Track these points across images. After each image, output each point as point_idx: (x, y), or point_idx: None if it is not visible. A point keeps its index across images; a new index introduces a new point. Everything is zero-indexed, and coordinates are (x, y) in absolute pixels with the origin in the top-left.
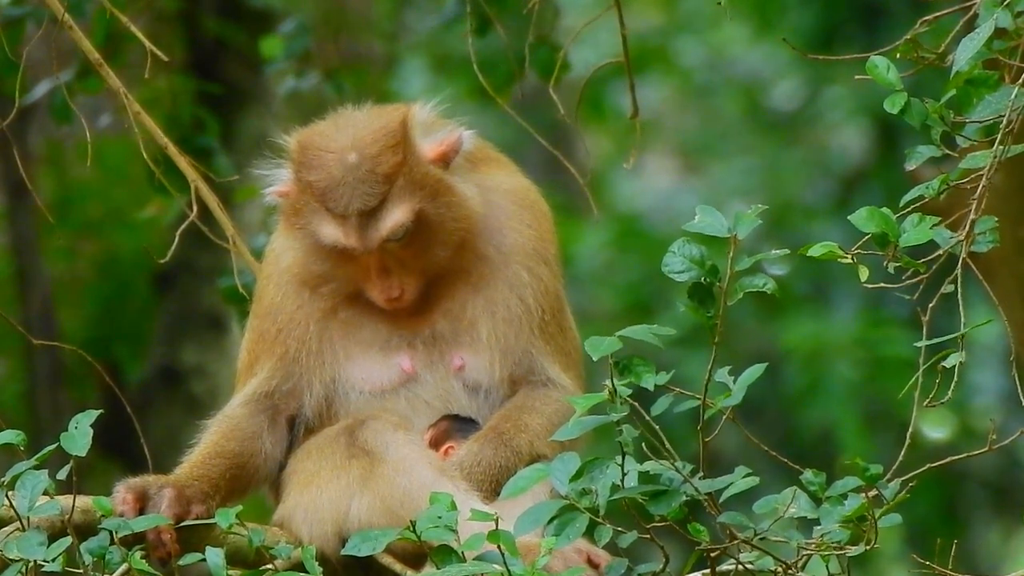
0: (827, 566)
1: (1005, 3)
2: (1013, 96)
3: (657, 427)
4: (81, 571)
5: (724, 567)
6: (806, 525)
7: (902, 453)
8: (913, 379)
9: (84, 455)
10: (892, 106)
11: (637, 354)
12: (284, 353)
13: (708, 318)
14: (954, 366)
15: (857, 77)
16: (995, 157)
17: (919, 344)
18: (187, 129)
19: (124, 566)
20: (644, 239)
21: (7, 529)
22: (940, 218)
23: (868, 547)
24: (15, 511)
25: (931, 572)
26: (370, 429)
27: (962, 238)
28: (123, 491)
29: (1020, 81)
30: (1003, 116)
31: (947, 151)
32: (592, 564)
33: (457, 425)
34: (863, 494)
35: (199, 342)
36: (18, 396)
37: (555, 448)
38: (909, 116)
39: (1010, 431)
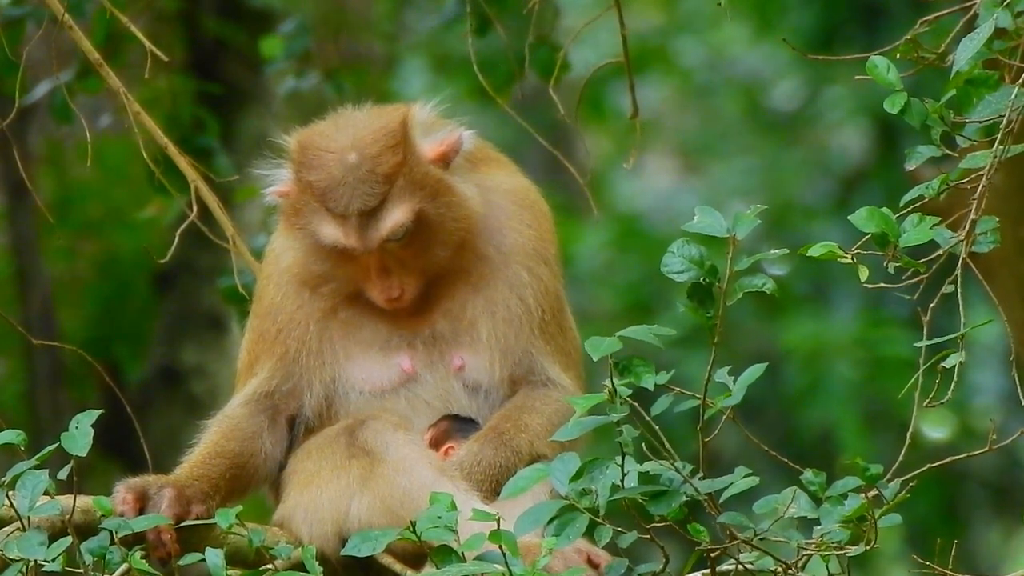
0: (827, 566)
1: (1005, 3)
2: (1013, 96)
3: (657, 427)
4: (81, 571)
5: (724, 567)
6: (806, 525)
7: (902, 453)
8: (913, 379)
9: (84, 455)
10: (892, 106)
11: (637, 354)
12: (284, 353)
13: (708, 318)
14: (954, 366)
15: (857, 77)
16: (995, 157)
17: (919, 344)
18: (187, 129)
19: (124, 566)
20: (644, 239)
21: (7, 529)
22: (940, 218)
23: (868, 547)
24: (15, 511)
25: (931, 572)
26: (370, 429)
27: (962, 238)
28: (123, 491)
29: (1020, 81)
30: (1003, 116)
31: (947, 151)
32: (592, 564)
33: (457, 425)
34: (863, 494)
35: (199, 342)
36: (18, 396)
37: (555, 448)
38: (909, 116)
39: (1010, 431)
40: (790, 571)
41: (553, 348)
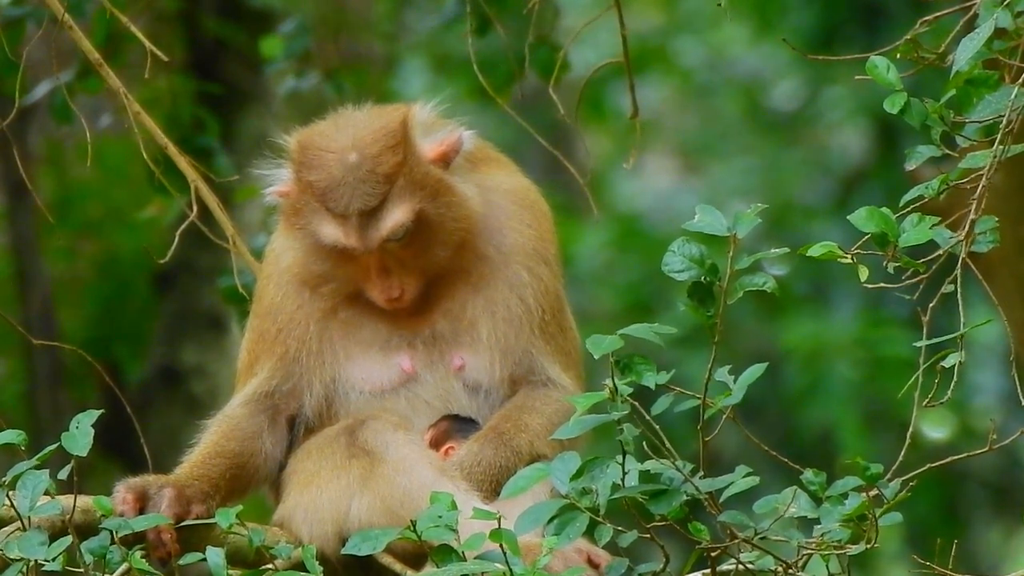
0: (827, 565)
1: (1005, 3)
2: (1013, 96)
3: (657, 426)
4: (81, 571)
5: (724, 567)
6: (806, 524)
7: (902, 453)
8: (913, 379)
9: (85, 455)
10: (892, 106)
11: (638, 353)
12: (284, 353)
13: (708, 317)
14: (954, 366)
15: (857, 77)
16: (995, 157)
17: (919, 344)
18: (187, 129)
19: (124, 566)
20: (644, 239)
21: (8, 529)
22: (940, 218)
23: (868, 547)
24: (16, 511)
25: (931, 572)
26: (370, 429)
27: (962, 238)
28: (123, 491)
29: (1020, 81)
30: (1003, 116)
31: (947, 151)
32: (592, 564)
33: (457, 425)
34: (863, 493)
35: (199, 342)
36: (18, 396)
37: (555, 448)
38: (909, 116)
39: (1010, 431)
40: (790, 570)
41: (553, 348)
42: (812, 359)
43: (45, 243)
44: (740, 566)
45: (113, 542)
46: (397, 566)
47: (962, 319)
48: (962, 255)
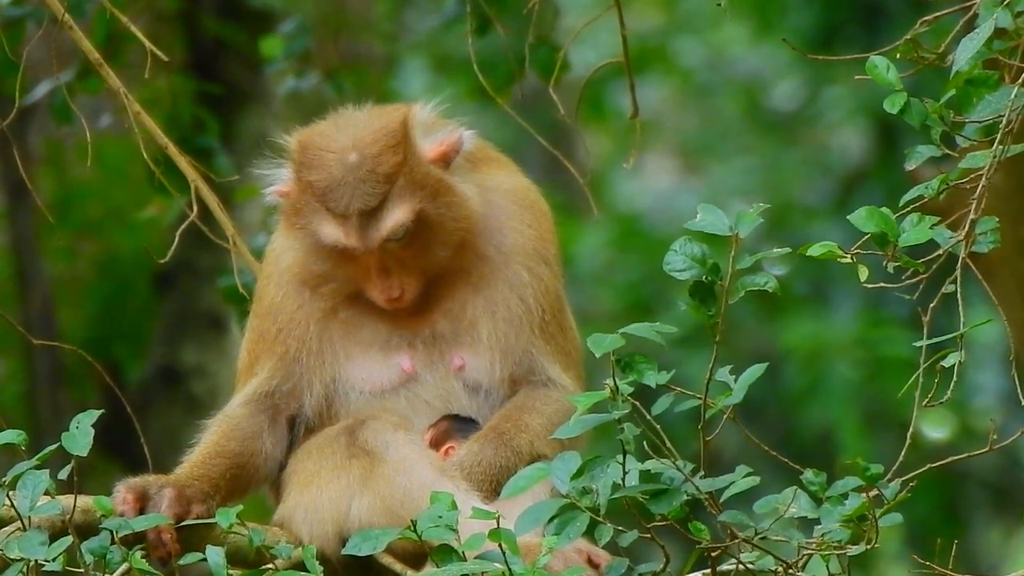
0: (827, 566)
1: (1005, 3)
2: (1013, 96)
3: (658, 426)
4: (82, 571)
5: (725, 566)
6: (807, 525)
7: (902, 453)
8: (913, 379)
9: (85, 455)
10: (892, 106)
11: (639, 352)
12: (284, 353)
13: (709, 317)
14: (954, 366)
15: (857, 77)
16: (995, 157)
17: (919, 344)
18: (187, 129)
19: (124, 566)
20: (644, 239)
21: (8, 529)
22: (940, 218)
23: (868, 547)
24: (16, 511)
25: (931, 572)
26: (370, 429)
27: (962, 238)
28: (123, 491)
29: (1020, 81)
30: (1003, 116)
31: (947, 151)
32: (592, 564)
33: (457, 425)
34: (863, 494)
35: (199, 342)
36: (18, 396)
37: (555, 448)
38: (909, 116)
39: (1010, 431)
40: (791, 570)
41: (553, 348)
42: (812, 359)
43: (45, 243)
44: (740, 566)
45: (113, 542)
46: (397, 566)
47: (962, 319)
48: (962, 255)
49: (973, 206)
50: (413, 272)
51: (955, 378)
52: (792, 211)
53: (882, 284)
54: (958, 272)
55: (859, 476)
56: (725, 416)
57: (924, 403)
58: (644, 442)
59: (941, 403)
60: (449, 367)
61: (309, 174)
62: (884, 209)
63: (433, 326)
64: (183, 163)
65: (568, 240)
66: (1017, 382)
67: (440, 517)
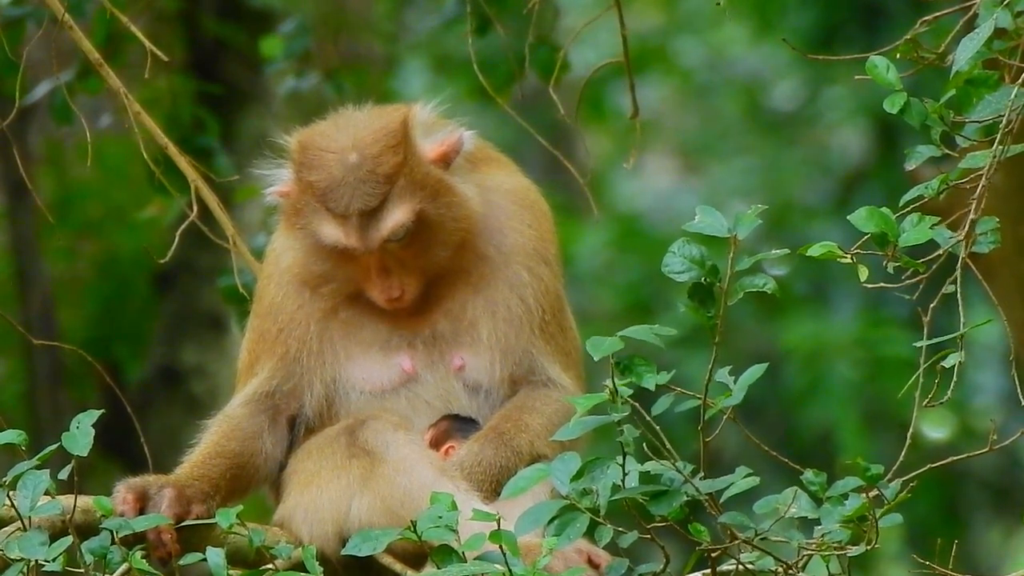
0: (828, 566)
1: (1005, 3)
2: (1013, 96)
3: (658, 427)
4: (82, 571)
5: (725, 567)
6: (807, 525)
7: (902, 453)
8: (913, 379)
9: (85, 455)
10: (892, 106)
11: (638, 354)
12: (285, 353)
13: (708, 318)
14: (954, 366)
15: (857, 77)
16: (995, 157)
17: (919, 344)
18: (187, 129)
19: (124, 566)
20: (644, 239)
21: (8, 529)
22: (940, 218)
23: (869, 547)
24: (16, 511)
25: (931, 572)
26: (370, 429)
27: (962, 238)
28: (123, 491)
29: (1020, 81)
30: (1003, 116)
31: (947, 151)
32: (593, 564)
33: (457, 425)
34: (864, 494)
35: (199, 342)
36: (18, 396)
37: (555, 448)
38: (909, 116)
39: (1010, 431)
40: (791, 571)
41: (553, 348)
42: (812, 359)
43: (45, 243)
44: (740, 567)
45: (113, 542)
46: (397, 566)
47: (962, 319)
48: (962, 255)
49: (973, 206)
50: (413, 272)
51: (955, 378)
52: (792, 211)
53: (882, 284)
54: (958, 272)
55: (859, 476)
56: (725, 417)
57: (924, 403)
58: (644, 443)
59: (941, 403)
60: (449, 367)
61: (309, 174)
62: (884, 209)
63: (433, 326)
64: (183, 163)
65: (568, 240)
66: (1017, 382)
67: (440, 517)
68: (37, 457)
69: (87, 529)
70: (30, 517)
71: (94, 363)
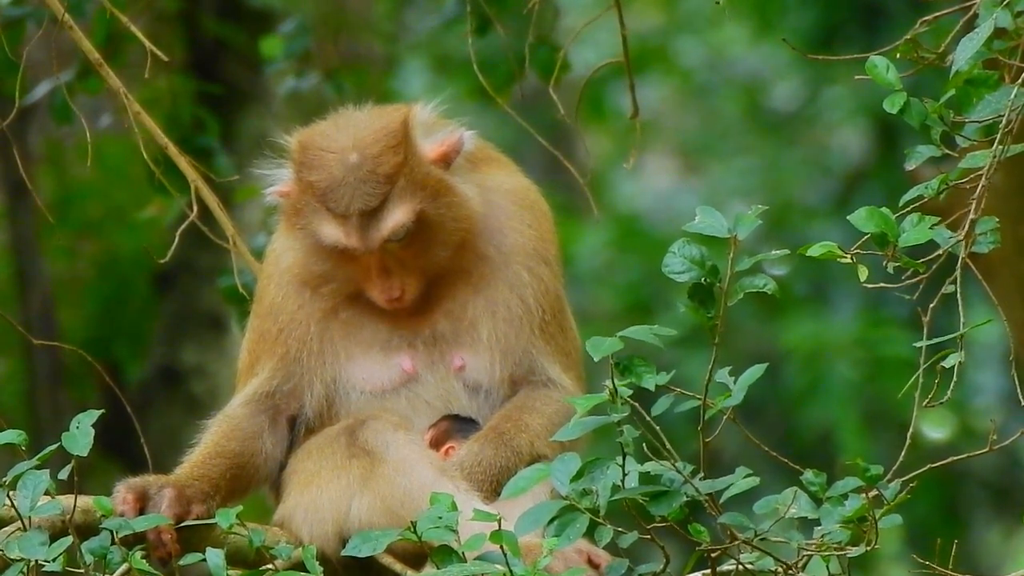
0: (827, 567)
1: (1005, 3)
2: (1013, 96)
3: (657, 427)
4: (82, 571)
5: (725, 567)
6: (807, 525)
7: (902, 453)
8: (913, 379)
9: (85, 455)
10: (891, 106)
11: (638, 354)
12: (285, 353)
13: (708, 318)
14: (954, 366)
15: (857, 77)
16: (995, 157)
17: (919, 344)
18: (187, 129)
19: (124, 566)
20: (644, 239)
21: (8, 529)
22: (940, 218)
23: (869, 548)
24: (16, 511)
25: (931, 572)
26: (370, 429)
27: (962, 238)
28: (123, 491)
29: (1020, 81)
30: (1003, 116)
31: (947, 151)
32: (593, 564)
33: (457, 425)
34: (863, 494)
35: (199, 342)
36: (18, 396)
37: (555, 448)
38: (908, 116)
39: (1010, 431)
40: (790, 571)
41: (553, 348)
42: (812, 359)
43: (45, 243)
44: (740, 567)
45: (113, 542)
46: (397, 566)
47: (962, 319)
48: (962, 255)
49: (973, 206)
50: (413, 272)
51: (955, 378)
52: (792, 211)
53: (882, 284)
54: (958, 272)
55: (859, 477)
56: (725, 417)
57: (924, 403)
58: (644, 443)
59: (941, 403)
60: (449, 367)
61: (309, 174)
62: (884, 209)
63: (433, 326)
64: (183, 163)
65: (568, 240)
66: (1017, 382)
67: (440, 518)
68: (37, 457)
69: (87, 529)
70: (30, 517)
71: (94, 363)
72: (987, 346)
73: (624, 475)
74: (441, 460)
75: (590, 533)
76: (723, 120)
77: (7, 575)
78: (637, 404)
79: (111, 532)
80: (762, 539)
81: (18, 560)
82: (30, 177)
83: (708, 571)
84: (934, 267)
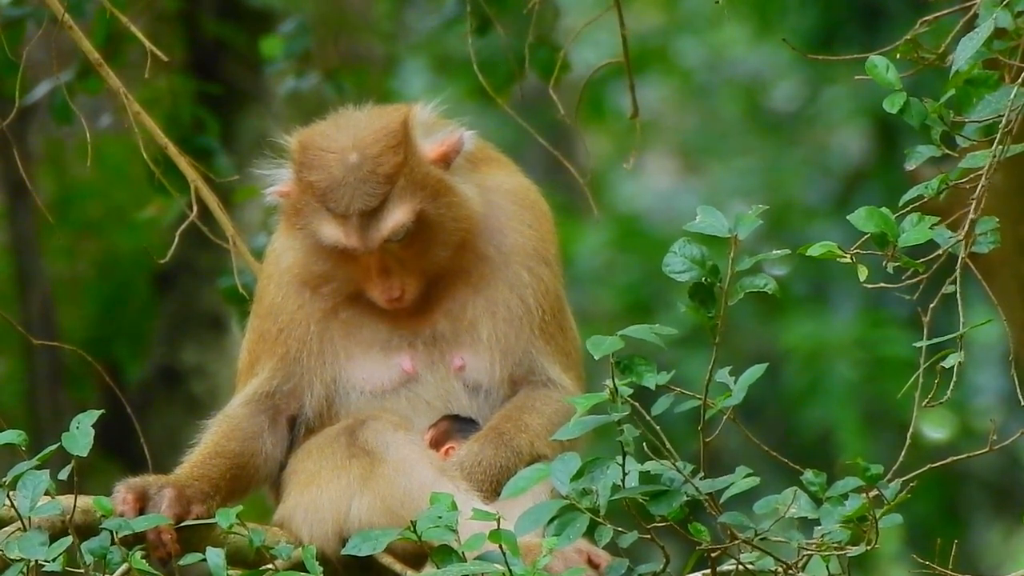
0: (827, 566)
1: (1005, 3)
2: (1013, 96)
3: (658, 427)
4: (82, 571)
5: (725, 567)
6: (807, 525)
7: (902, 453)
8: (913, 379)
9: (85, 455)
10: (891, 106)
11: (638, 354)
12: (285, 353)
13: (709, 318)
14: (954, 366)
15: (857, 77)
16: (995, 157)
17: (919, 344)
18: (187, 129)
19: (124, 566)
20: (644, 239)
21: (8, 529)
22: (940, 218)
23: (869, 547)
24: (16, 511)
25: (931, 572)
26: (370, 429)
27: (962, 238)
28: (123, 491)
29: (1020, 81)
30: (1003, 116)
31: (947, 151)
32: (592, 564)
33: (457, 425)
34: (863, 494)
35: (199, 342)
36: (18, 396)
37: (555, 448)
38: (908, 116)
39: (1010, 431)
40: (791, 571)
41: (553, 348)
42: (812, 359)
43: (45, 243)
44: (740, 567)
45: (113, 542)
46: (397, 566)
47: (962, 319)
48: (962, 255)
49: (973, 206)
50: (413, 272)
51: (955, 378)
52: (792, 211)
53: (882, 284)
54: (958, 272)
55: (859, 476)
56: (725, 417)
57: (924, 403)
58: (644, 443)
59: (941, 403)
60: (449, 367)
61: (309, 174)
62: (884, 209)
63: (433, 326)
64: (183, 163)
65: (568, 240)
66: (1017, 382)
67: (440, 517)
68: (37, 457)
69: (87, 529)
70: (30, 517)
71: (94, 363)
72: (987, 346)
73: (624, 475)
74: (441, 460)
75: (590, 533)
76: (723, 120)
77: (7, 575)
78: (637, 404)
79: (111, 532)
80: (762, 539)
81: (18, 560)
82: (30, 177)
83: (708, 571)
84: (934, 267)
